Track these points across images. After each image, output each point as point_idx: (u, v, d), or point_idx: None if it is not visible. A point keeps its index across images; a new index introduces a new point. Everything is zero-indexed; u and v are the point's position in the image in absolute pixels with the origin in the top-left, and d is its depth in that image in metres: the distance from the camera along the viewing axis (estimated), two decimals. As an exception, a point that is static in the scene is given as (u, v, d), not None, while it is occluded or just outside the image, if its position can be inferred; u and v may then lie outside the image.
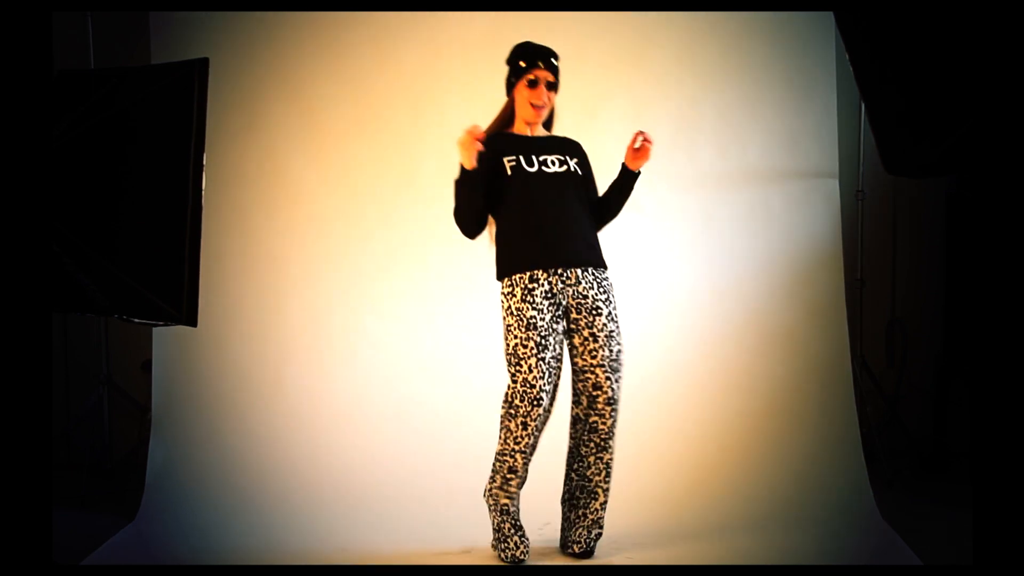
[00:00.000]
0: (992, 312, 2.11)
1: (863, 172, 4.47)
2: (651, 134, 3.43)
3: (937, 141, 2.20)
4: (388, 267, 4.43)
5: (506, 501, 3.41)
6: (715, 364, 4.35)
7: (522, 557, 3.39)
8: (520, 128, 3.47)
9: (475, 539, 3.62)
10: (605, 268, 3.40)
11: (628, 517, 3.80)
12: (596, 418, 3.34)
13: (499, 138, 3.44)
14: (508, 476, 3.38)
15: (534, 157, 3.38)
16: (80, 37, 4.34)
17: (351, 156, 4.45)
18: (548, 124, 3.56)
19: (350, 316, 4.43)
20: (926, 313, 4.70)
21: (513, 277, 3.31)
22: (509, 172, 3.35)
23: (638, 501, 3.93)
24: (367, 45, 4.43)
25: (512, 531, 3.41)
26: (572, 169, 3.41)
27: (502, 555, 3.41)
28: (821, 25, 4.38)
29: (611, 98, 4.42)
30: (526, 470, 3.40)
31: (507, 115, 3.49)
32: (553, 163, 3.39)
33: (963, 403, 4.46)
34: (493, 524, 3.45)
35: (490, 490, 3.44)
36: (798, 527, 3.69)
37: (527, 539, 3.42)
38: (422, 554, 3.49)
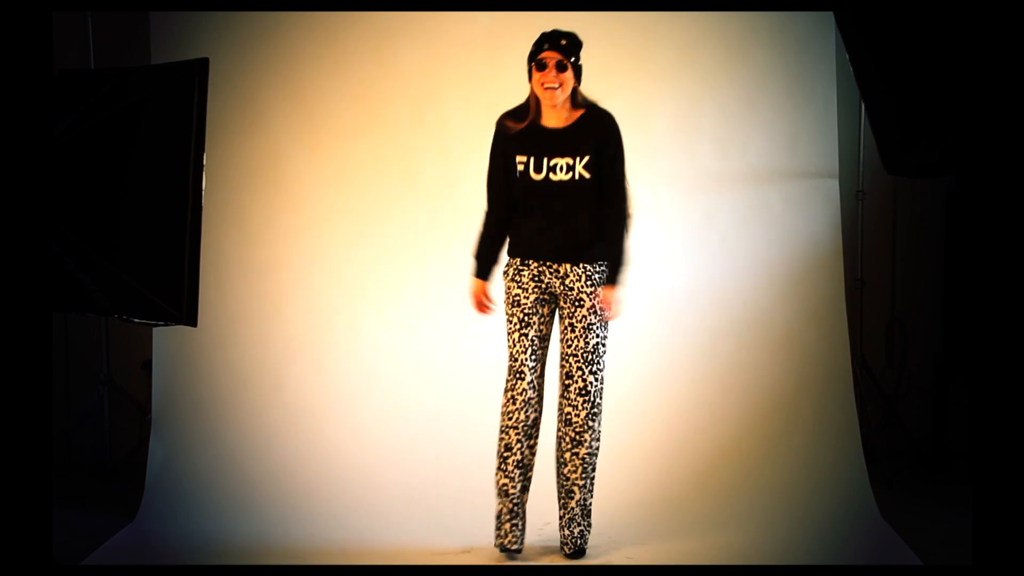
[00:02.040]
0: (992, 312, 2.11)
1: (863, 172, 4.47)
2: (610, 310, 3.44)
3: (936, 141, 2.20)
4: (388, 267, 4.43)
5: (505, 481, 3.43)
6: (715, 364, 4.34)
7: (511, 547, 3.42)
8: (546, 116, 3.43)
9: (475, 539, 3.62)
10: (602, 262, 3.45)
11: (628, 517, 3.81)
12: (569, 408, 3.43)
13: (518, 133, 3.43)
14: (504, 454, 3.43)
15: (544, 161, 3.38)
16: (80, 37, 4.34)
17: (351, 156, 4.44)
18: (578, 100, 3.46)
19: (350, 316, 4.42)
20: (926, 313, 4.70)
21: (512, 260, 3.50)
22: (517, 175, 3.43)
23: (638, 501, 3.93)
24: (367, 45, 4.43)
25: (508, 517, 3.42)
26: (577, 176, 3.38)
27: (495, 542, 3.46)
28: (821, 25, 4.38)
29: (611, 98, 4.40)
30: (525, 453, 3.44)
31: (528, 106, 3.45)
32: (561, 169, 3.38)
33: (963, 403, 4.46)
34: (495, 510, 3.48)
35: (496, 473, 3.47)
36: (798, 527, 3.69)
37: (521, 530, 3.44)
38: (422, 554, 3.49)
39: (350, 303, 4.43)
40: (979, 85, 2.13)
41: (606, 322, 3.44)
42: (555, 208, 3.40)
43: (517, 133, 3.43)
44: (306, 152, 4.44)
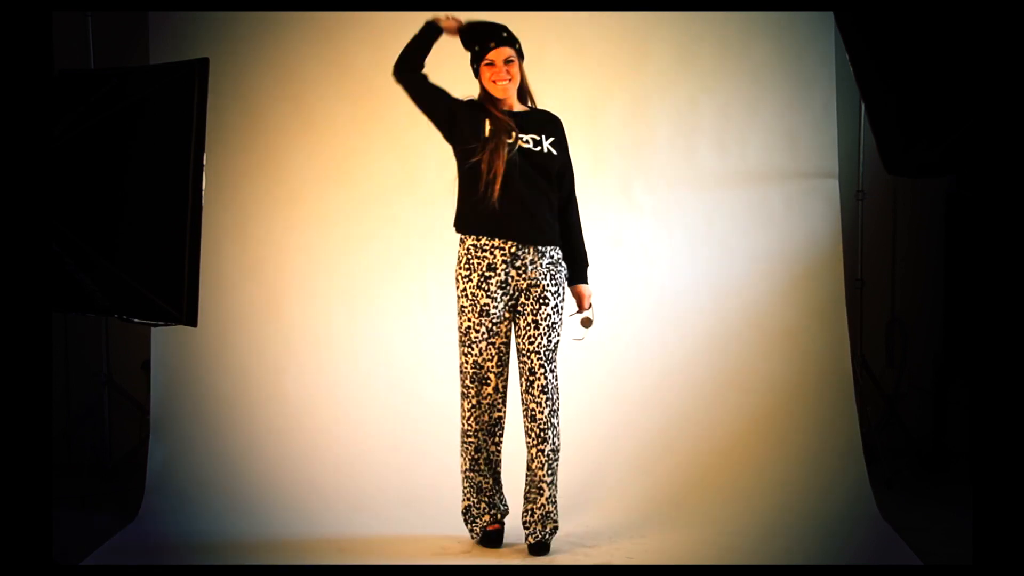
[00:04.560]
0: (992, 312, 2.11)
1: (863, 172, 4.47)
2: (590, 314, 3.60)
3: (936, 141, 2.21)
4: (388, 266, 4.43)
5: (480, 479, 3.52)
6: (715, 364, 4.34)
7: (490, 522, 3.53)
8: (503, 105, 3.50)
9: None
10: (557, 245, 3.52)
11: (628, 516, 3.81)
12: (533, 405, 3.46)
13: (484, 107, 3.48)
14: (475, 456, 3.51)
15: (514, 132, 3.44)
16: (80, 37, 4.34)
17: (351, 156, 4.44)
18: (525, 99, 3.57)
19: (350, 316, 4.43)
20: (926, 313, 4.70)
21: (471, 260, 3.43)
22: (487, 133, 3.42)
23: (638, 500, 3.93)
24: (367, 45, 4.43)
25: (486, 508, 3.54)
26: (546, 150, 3.47)
27: (473, 535, 3.55)
28: (821, 25, 4.38)
29: (611, 98, 4.41)
30: (491, 450, 3.54)
31: (483, 98, 3.51)
32: (528, 141, 3.45)
33: (963, 403, 4.46)
34: (463, 506, 3.58)
35: (464, 472, 3.55)
36: (798, 527, 3.69)
37: (500, 512, 3.57)
38: (422, 553, 3.49)
39: (350, 303, 4.43)
40: (979, 85, 2.13)
41: (588, 324, 3.57)
42: (520, 171, 3.40)
43: (480, 105, 3.48)
44: (306, 152, 4.44)
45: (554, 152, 3.49)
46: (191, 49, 3.99)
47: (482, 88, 3.51)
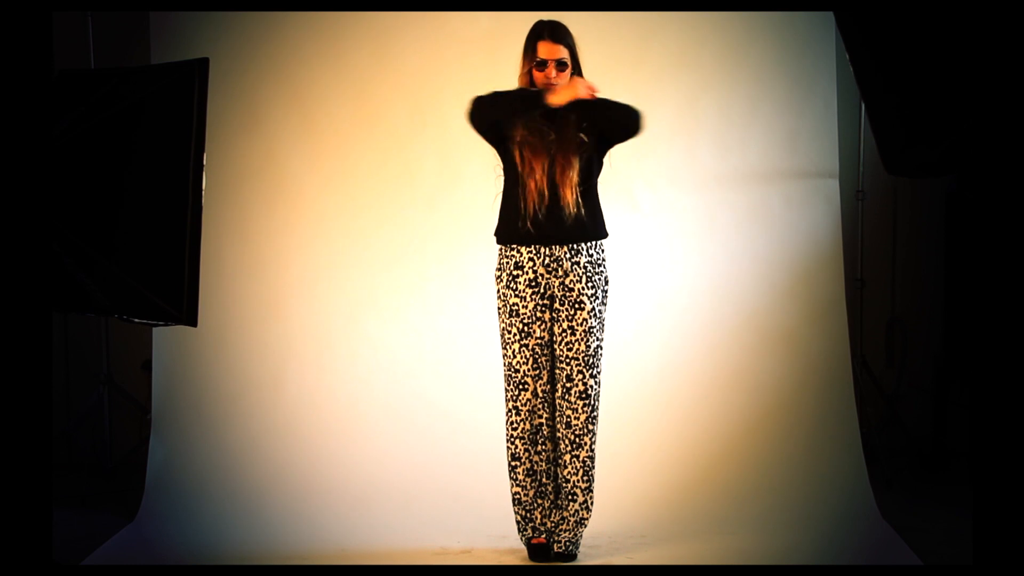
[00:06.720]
0: (992, 312, 2.11)
1: (863, 172, 4.47)
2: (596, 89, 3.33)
3: (936, 141, 2.21)
4: (389, 267, 4.43)
5: (517, 490, 3.42)
6: (715, 364, 4.34)
7: (532, 536, 3.44)
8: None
9: (475, 539, 3.62)
10: (600, 238, 3.38)
11: (628, 517, 3.80)
12: (569, 412, 3.37)
13: (520, 96, 3.33)
14: (512, 463, 3.41)
15: (545, 127, 3.31)
16: (80, 37, 4.34)
17: (351, 156, 4.44)
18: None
19: (350, 316, 4.42)
20: (926, 313, 4.70)
21: (501, 261, 3.38)
22: (518, 137, 3.30)
23: (638, 501, 3.93)
24: (368, 45, 4.43)
25: (524, 523, 3.44)
26: (582, 140, 3.31)
27: (521, 537, 3.47)
28: (821, 25, 4.38)
29: (611, 98, 4.41)
30: (535, 460, 3.40)
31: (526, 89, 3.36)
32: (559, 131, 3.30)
33: (963, 403, 4.46)
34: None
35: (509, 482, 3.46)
36: (798, 527, 3.69)
37: (538, 532, 3.45)
38: (422, 554, 3.49)
39: (350, 303, 4.43)
40: (979, 85, 2.13)
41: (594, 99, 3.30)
42: (552, 168, 3.27)
43: (517, 96, 3.32)
44: (306, 152, 4.44)
45: (584, 138, 3.31)
46: (191, 49, 3.98)
47: (529, 86, 3.35)
